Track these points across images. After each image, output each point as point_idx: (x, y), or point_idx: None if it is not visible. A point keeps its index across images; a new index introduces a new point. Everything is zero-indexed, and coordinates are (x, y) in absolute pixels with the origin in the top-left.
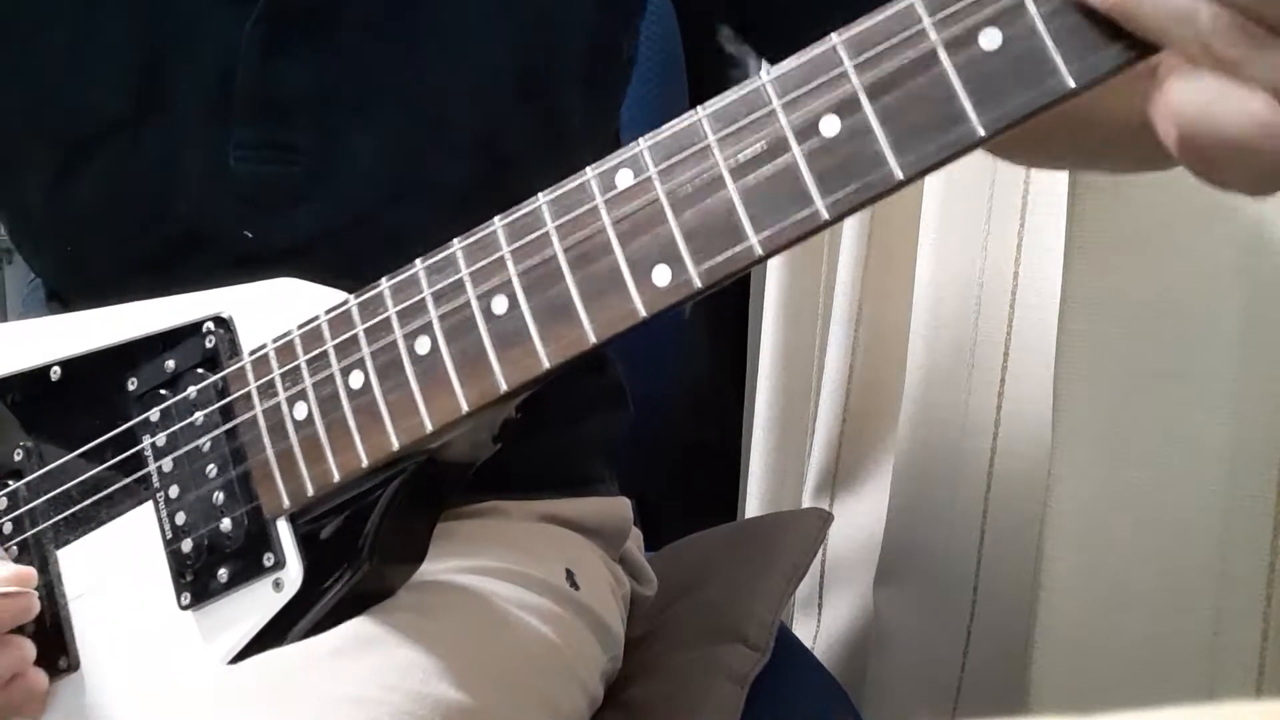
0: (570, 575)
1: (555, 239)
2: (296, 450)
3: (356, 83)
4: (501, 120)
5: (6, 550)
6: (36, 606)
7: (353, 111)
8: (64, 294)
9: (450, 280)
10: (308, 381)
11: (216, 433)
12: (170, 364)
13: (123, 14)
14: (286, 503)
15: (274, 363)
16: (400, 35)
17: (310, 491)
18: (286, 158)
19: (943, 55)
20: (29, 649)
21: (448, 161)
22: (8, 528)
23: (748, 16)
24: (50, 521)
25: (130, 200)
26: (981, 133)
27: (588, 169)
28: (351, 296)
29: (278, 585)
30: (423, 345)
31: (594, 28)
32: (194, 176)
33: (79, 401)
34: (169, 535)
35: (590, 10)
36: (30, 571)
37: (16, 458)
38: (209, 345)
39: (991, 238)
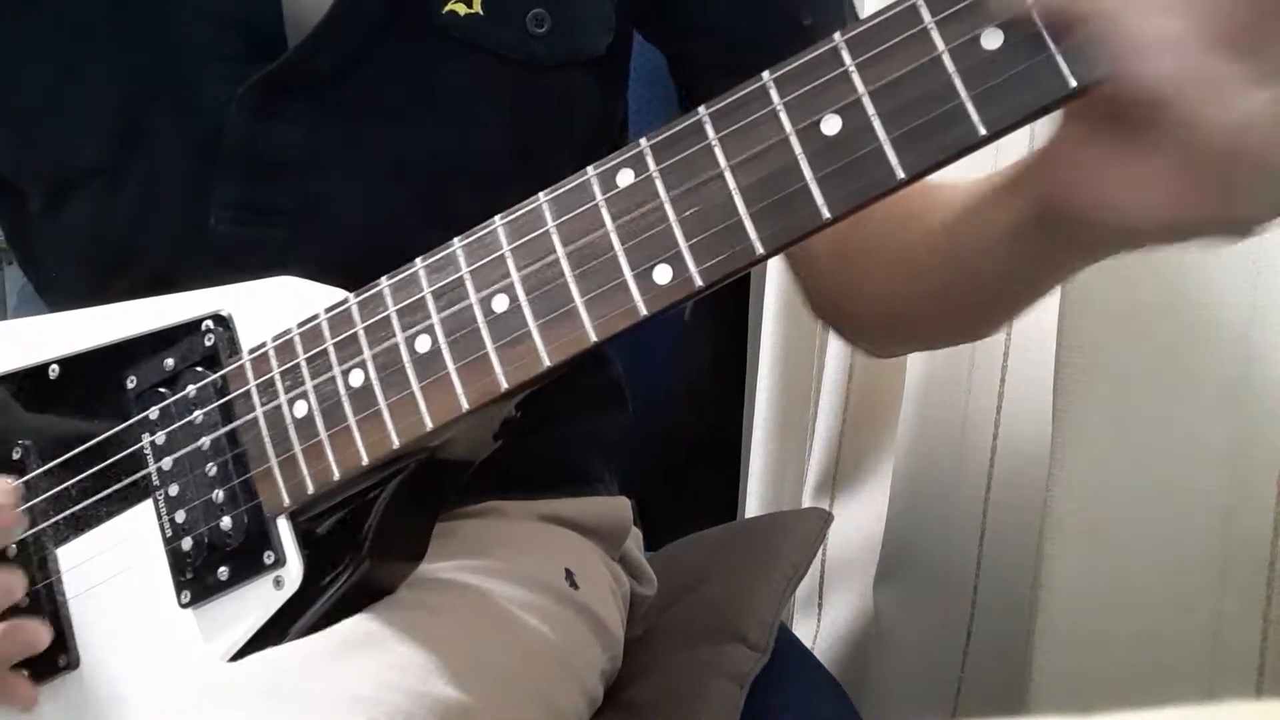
0: (569, 575)
1: (556, 238)
2: (296, 449)
3: (349, 152)
4: (497, 197)
5: (5, 549)
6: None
7: (342, 180)
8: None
9: (450, 279)
10: (308, 380)
11: (216, 432)
12: (169, 362)
13: (110, 60)
14: (287, 501)
15: (274, 361)
16: (401, 111)
17: (310, 489)
18: (269, 220)
19: (945, 56)
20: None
21: (437, 235)
22: None
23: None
24: (50, 520)
25: (106, 243)
26: (983, 132)
27: (589, 168)
28: (351, 295)
29: (278, 583)
30: (423, 344)
31: (593, 102)
32: (170, 229)
33: (78, 399)
34: (169, 534)
35: (591, 87)
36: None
37: (15, 456)
38: (208, 343)
39: None
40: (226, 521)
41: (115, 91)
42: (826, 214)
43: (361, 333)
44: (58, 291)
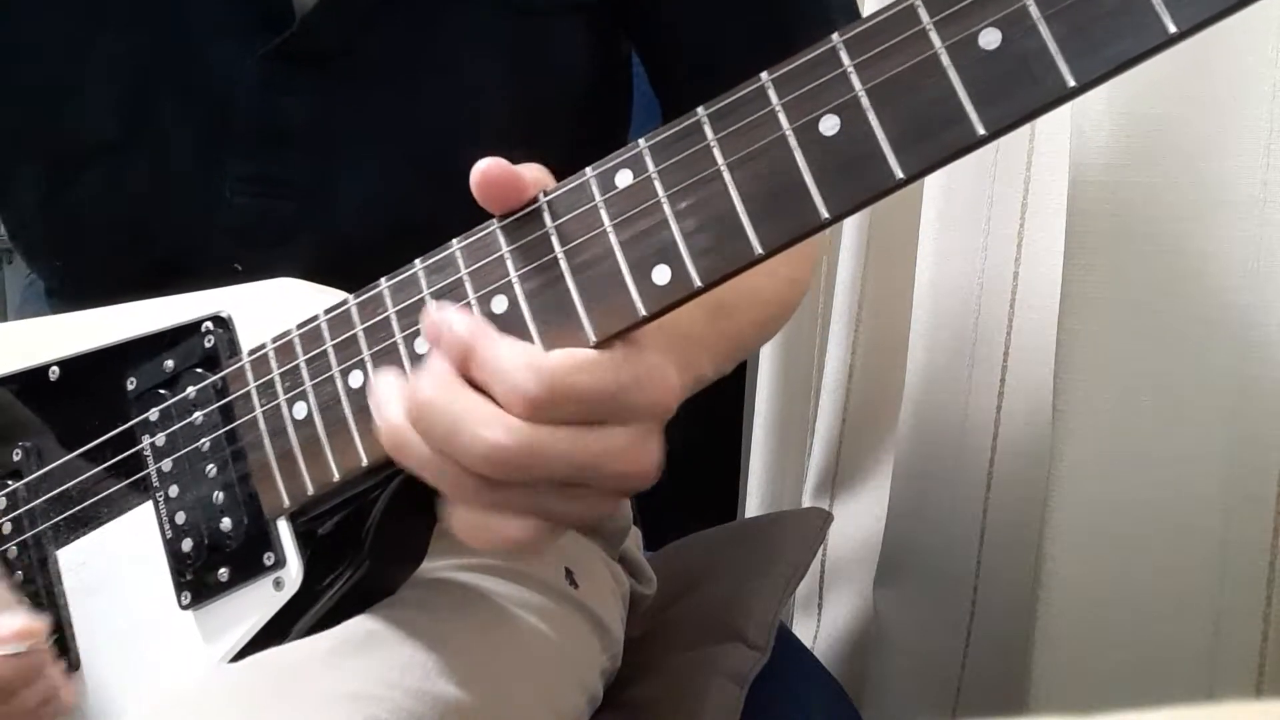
0: (569, 574)
1: (555, 239)
2: (296, 450)
3: (357, 121)
4: None
5: (5, 551)
6: (46, 665)
7: (351, 150)
8: (59, 299)
9: (449, 280)
10: (307, 382)
11: (216, 433)
12: (169, 363)
13: (119, 36)
14: (286, 502)
15: (273, 362)
16: (406, 78)
17: (310, 491)
18: (282, 192)
19: (943, 55)
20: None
21: (445, 205)
22: (7, 528)
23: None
24: (50, 522)
25: (116, 222)
26: (982, 131)
27: (587, 169)
28: (351, 296)
29: (278, 584)
30: (422, 345)
31: (589, 54)
32: (183, 205)
33: (78, 401)
34: (169, 535)
35: (587, 35)
36: (39, 627)
37: (16, 458)
38: (208, 345)
39: (991, 238)
40: (226, 523)
41: (124, 66)
42: (825, 214)
43: (361, 334)
44: (67, 282)
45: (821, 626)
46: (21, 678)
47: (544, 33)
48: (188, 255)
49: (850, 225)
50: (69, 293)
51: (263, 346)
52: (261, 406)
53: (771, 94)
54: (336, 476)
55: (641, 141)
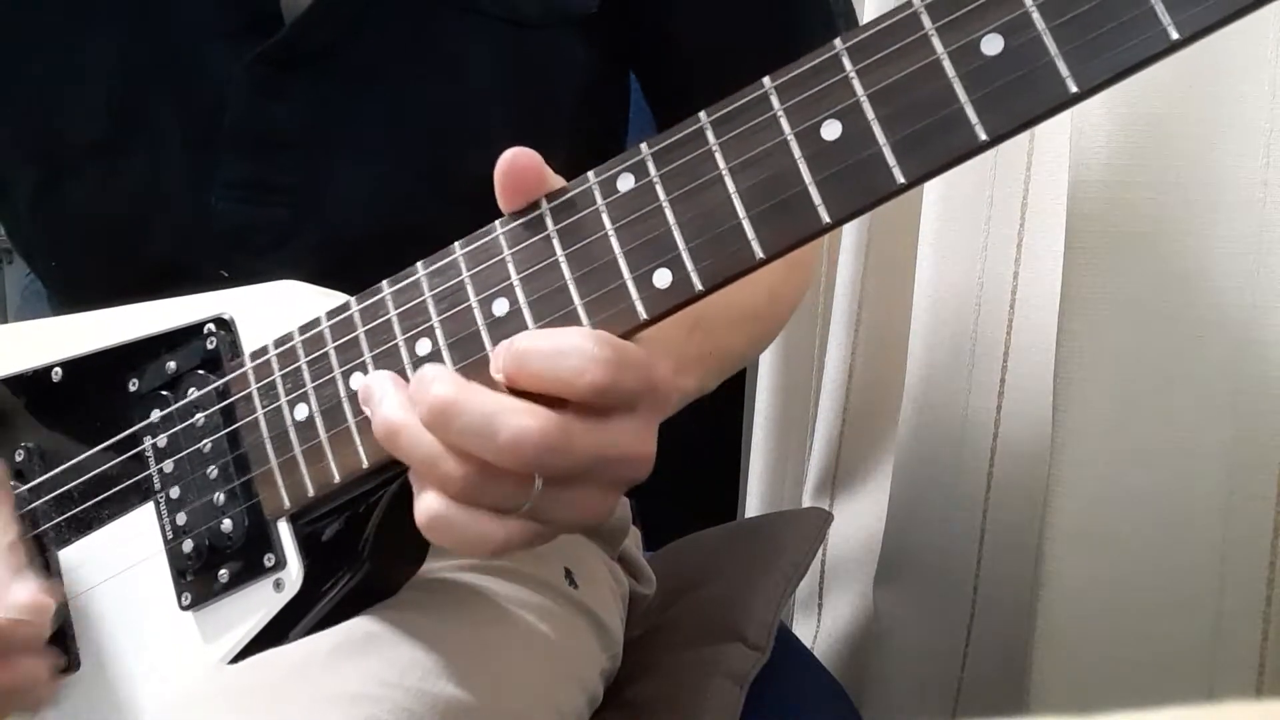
0: (569, 574)
1: (556, 242)
2: (297, 451)
3: (350, 124)
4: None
5: None
6: (46, 632)
7: (345, 154)
8: (58, 300)
9: (451, 282)
10: (309, 384)
11: (218, 434)
12: (171, 365)
13: (111, 39)
14: (287, 503)
15: (275, 365)
16: (399, 79)
17: (311, 492)
18: (273, 199)
19: (945, 61)
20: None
21: (442, 208)
22: None
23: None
24: (52, 523)
25: (108, 227)
26: (983, 137)
27: (590, 173)
28: (353, 299)
29: (278, 585)
30: (424, 347)
31: (585, 65)
32: (174, 211)
33: (80, 403)
34: (170, 536)
35: (583, 48)
36: (49, 603)
37: (18, 459)
38: (210, 347)
39: (991, 238)
40: (227, 524)
41: (115, 70)
42: (826, 218)
43: (362, 336)
44: (65, 283)
45: (821, 626)
46: (18, 647)
47: (537, 46)
48: (183, 259)
49: (850, 226)
50: (67, 294)
51: (265, 349)
52: (263, 408)
53: (774, 99)
54: (337, 478)
55: (644, 146)
